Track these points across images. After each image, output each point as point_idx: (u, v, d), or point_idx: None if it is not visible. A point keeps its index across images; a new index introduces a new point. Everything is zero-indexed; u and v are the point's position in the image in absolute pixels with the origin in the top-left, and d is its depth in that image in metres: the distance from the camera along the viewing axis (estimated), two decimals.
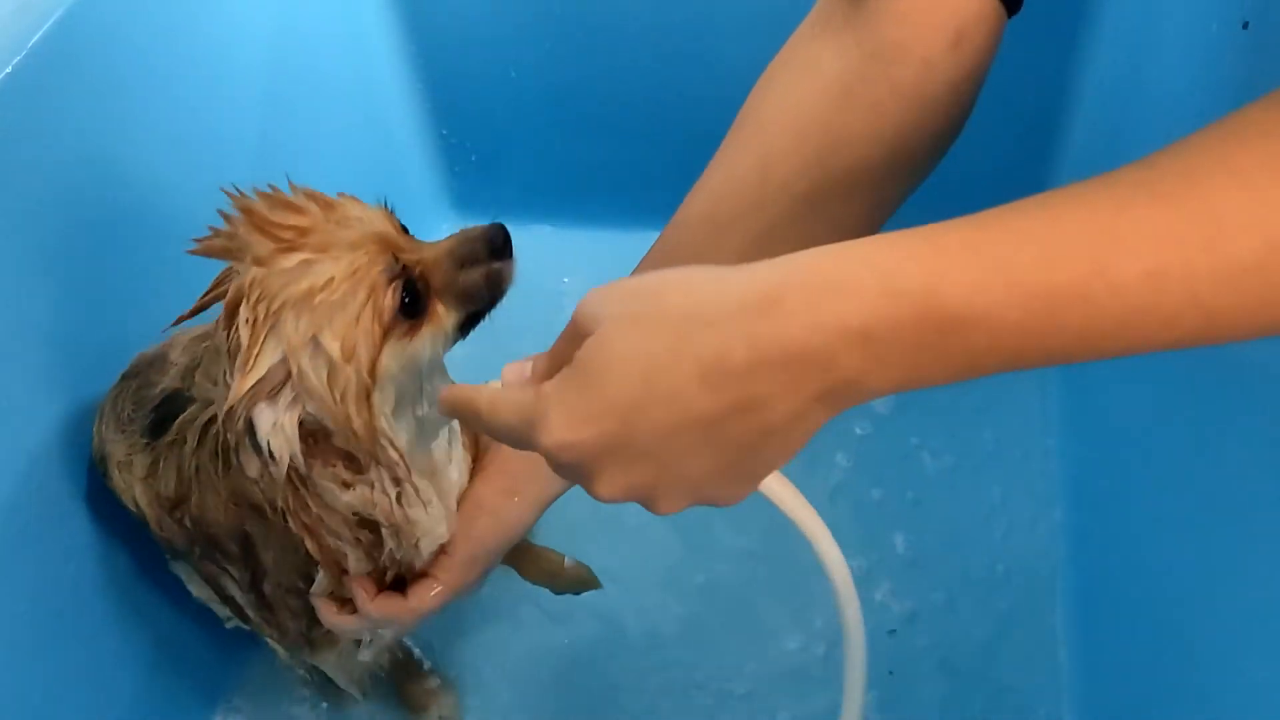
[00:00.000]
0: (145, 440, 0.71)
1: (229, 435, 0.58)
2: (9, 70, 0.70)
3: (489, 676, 0.92)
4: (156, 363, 0.73)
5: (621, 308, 0.44)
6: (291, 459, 0.58)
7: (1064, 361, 0.42)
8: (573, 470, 0.46)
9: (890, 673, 0.86)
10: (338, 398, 0.58)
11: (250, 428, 0.57)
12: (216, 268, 0.62)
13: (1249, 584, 0.60)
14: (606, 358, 0.44)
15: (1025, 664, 0.88)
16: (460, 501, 0.69)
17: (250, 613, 0.75)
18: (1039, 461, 0.99)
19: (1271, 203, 0.39)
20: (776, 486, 0.50)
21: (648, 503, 0.46)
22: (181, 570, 0.78)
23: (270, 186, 0.59)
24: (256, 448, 0.58)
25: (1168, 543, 0.73)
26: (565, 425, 0.44)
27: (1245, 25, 0.65)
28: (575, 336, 0.46)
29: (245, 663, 0.92)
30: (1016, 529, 0.96)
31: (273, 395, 0.57)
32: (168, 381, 0.72)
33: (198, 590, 0.78)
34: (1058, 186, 0.42)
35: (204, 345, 0.71)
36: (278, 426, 0.58)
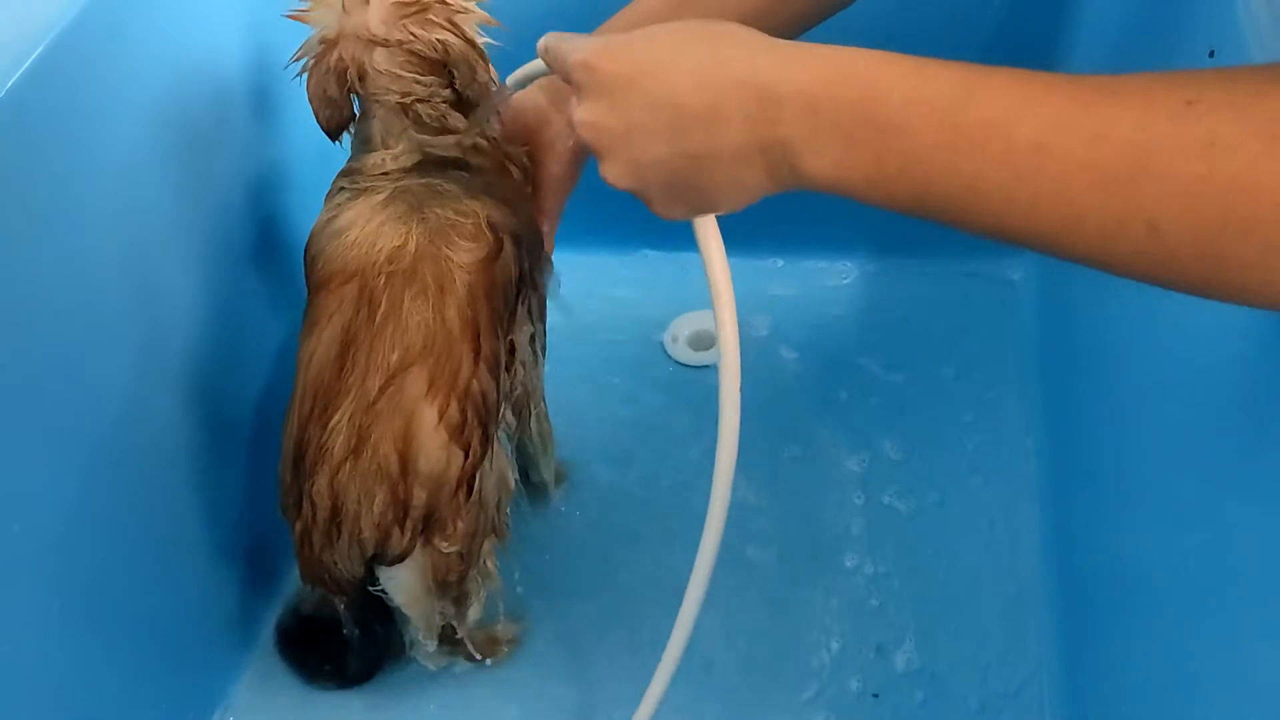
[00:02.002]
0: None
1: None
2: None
3: None
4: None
5: (684, 24, 0.53)
6: None
7: (959, 220, 0.46)
8: (579, 89, 0.54)
9: (875, 695, 0.87)
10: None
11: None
12: None
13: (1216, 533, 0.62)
14: (650, 33, 0.52)
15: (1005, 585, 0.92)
16: None
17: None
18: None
19: (1157, 128, 0.41)
20: (708, 230, 0.60)
21: (600, 152, 0.54)
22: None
23: None
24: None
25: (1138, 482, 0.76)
26: (592, 53, 0.53)
27: (1211, 54, 0.66)
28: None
29: (243, 663, 0.91)
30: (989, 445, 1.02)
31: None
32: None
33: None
34: None
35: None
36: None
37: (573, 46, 0.54)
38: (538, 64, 0.64)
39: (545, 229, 0.82)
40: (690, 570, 0.69)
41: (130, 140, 0.77)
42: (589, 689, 0.89)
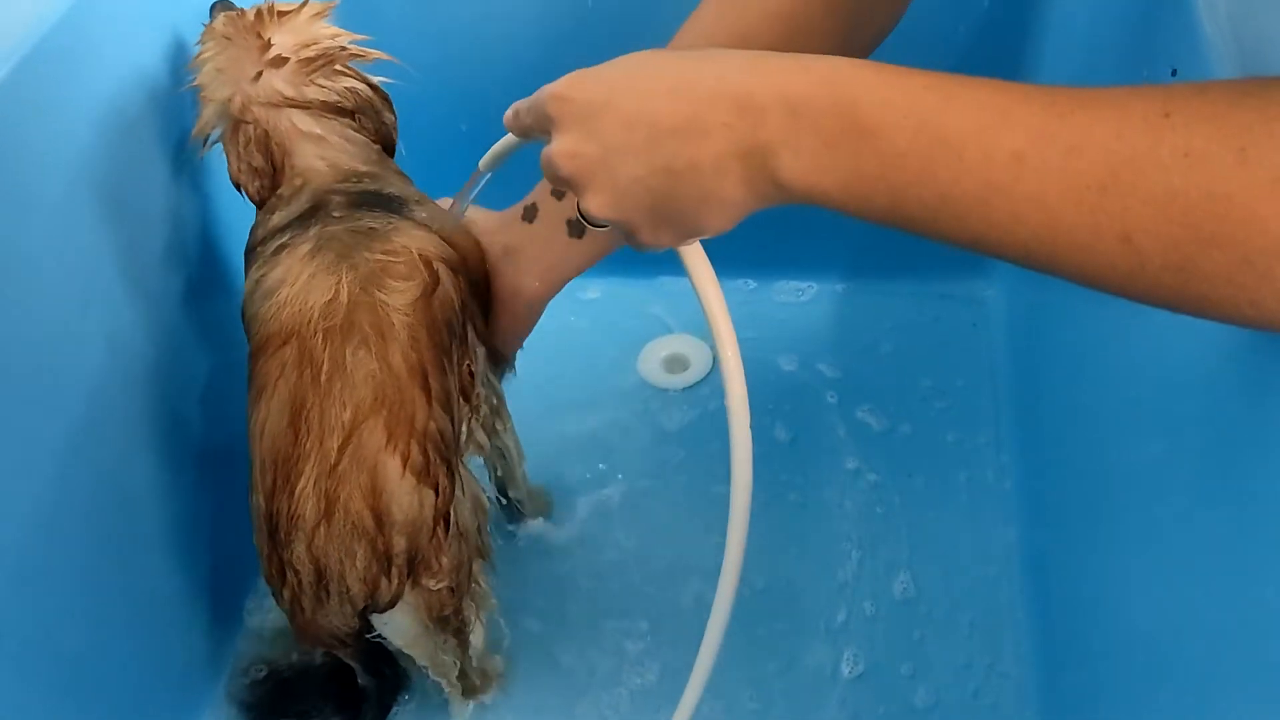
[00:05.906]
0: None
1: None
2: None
3: None
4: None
5: (649, 51, 0.53)
6: None
7: (933, 229, 0.46)
8: (553, 123, 0.53)
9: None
10: None
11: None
12: None
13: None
14: (616, 60, 0.53)
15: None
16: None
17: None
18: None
19: (1134, 139, 0.40)
20: (696, 258, 0.57)
21: (580, 183, 0.52)
22: None
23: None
24: None
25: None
26: (562, 84, 0.53)
27: (1174, 73, 0.67)
28: None
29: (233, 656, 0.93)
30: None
31: None
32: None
33: None
34: None
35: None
36: None
37: (542, 89, 0.54)
38: (507, 140, 0.63)
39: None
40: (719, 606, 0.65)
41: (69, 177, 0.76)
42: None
